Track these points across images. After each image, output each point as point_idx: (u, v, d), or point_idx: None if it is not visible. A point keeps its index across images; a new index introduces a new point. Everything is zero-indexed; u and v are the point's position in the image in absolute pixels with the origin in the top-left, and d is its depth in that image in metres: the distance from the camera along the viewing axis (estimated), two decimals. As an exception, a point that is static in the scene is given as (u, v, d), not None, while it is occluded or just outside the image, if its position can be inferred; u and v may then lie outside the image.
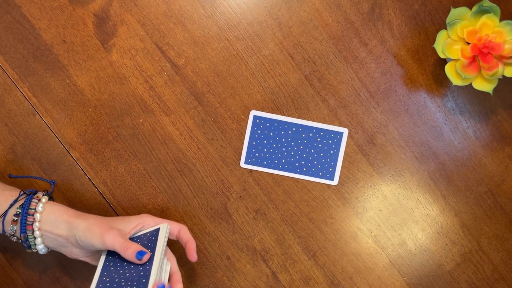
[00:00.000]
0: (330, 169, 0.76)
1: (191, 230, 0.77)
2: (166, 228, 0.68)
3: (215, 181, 0.76)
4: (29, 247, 0.67)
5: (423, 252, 0.78)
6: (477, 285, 0.79)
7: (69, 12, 0.74)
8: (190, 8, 0.75)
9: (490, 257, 0.78)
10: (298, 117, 0.76)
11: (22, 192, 0.67)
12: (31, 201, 0.66)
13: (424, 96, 0.76)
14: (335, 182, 0.77)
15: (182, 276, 0.77)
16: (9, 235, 0.66)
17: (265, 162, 0.76)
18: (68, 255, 0.68)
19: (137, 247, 0.64)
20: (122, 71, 0.75)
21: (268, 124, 0.76)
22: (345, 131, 0.76)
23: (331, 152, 0.76)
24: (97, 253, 0.68)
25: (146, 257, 0.64)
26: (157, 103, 0.75)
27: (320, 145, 0.76)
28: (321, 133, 0.76)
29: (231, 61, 0.75)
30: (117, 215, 0.76)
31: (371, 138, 0.77)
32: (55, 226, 0.66)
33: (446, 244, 0.78)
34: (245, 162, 0.76)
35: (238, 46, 0.75)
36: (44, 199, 0.67)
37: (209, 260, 0.77)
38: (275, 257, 0.78)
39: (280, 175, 0.76)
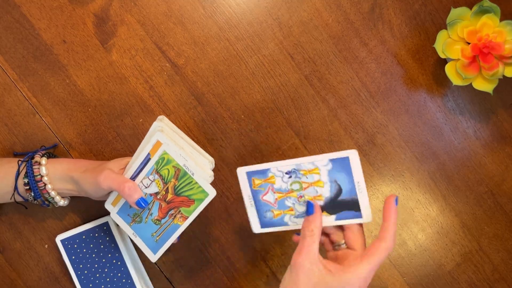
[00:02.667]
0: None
1: (191, 230, 0.77)
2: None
3: (215, 181, 0.76)
4: (48, 205, 0.69)
5: (423, 252, 0.78)
6: (477, 285, 0.79)
7: (69, 12, 0.74)
8: (190, 8, 0.75)
9: (490, 257, 0.78)
10: (298, 117, 0.76)
11: (20, 162, 0.67)
12: (33, 168, 0.66)
13: (424, 96, 0.76)
14: None
15: (182, 276, 0.77)
16: (31, 201, 0.68)
17: None
18: (93, 198, 0.68)
19: (139, 192, 0.64)
20: (122, 71, 0.75)
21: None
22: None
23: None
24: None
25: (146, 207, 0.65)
26: (157, 103, 0.75)
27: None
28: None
29: (231, 61, 0.75)
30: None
31: (371, 138, 0.77)
32: (64, 182, 0.67)
33: (446, 244, 0.78)
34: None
35: (238, 46, 0.75)
36: (44, 160, 0.67)
37: (209, 260, 0.77)
38: (275, 257, 0.77)
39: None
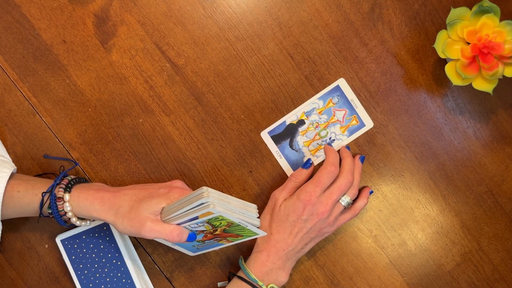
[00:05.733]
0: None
1: (191, 230, 0.77)
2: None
3: (215, 181, 0.76)
4: (73, 225, 0.70)
5: (423, 252, 0.78)
6: (477, 285, 0.79)
7: (69, 12, 0.74)
8: (190, 8, 0.75)
9: (490, 257, 0.78)
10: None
11: (43, 193, 0.67)
12: (56, 204, 0.66)
13: (424, 96, 0.76)
14: None
15: (182, 276, 0.77)
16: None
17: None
18: None
19: (186, 233, 0.65)
20: (122, 71, 0.75)
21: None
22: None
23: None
24: None
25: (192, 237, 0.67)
26: (157, 103, 0.75)
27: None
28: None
29: (231, 61, 0.75)
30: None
31: (371, 138, 0.77)
32: (89, 216, 0.67)
33: (446, 244, 0.78)
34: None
35: (238, 46, 0.75)
36: (67, 196, 0.67)
37: (209, 260, 0.77)
38: (275, 257, 0.77)
39: (279, 175, 0.76)
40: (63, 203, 0.66)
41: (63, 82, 0.75)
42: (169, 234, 0.64)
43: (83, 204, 0.67)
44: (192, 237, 0.66)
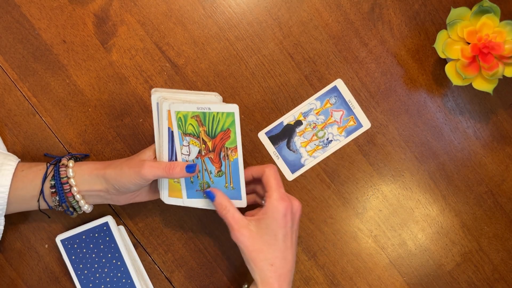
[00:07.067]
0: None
1: (191, 230, 0.77)
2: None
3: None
4: (72, 213, 0.69)
5: (423, 252, 0.78)
6: (477, 285, 0.79)
7: (69, 12, 0.74)
8: (190, 8, 0.75)
9: (490, 257, 0.78)
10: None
11: (48, 164, 0.68)
12: (59, 170, 0.67)
13: (424, 96, 0.76)
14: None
15: (182, 276, 0.77)
16: (55, 207, 0.68)
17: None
18: (118, 204, 0.71)
19: (181, 163, 0.66)
20: (122, 71, 0.75)
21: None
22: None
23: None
24: (143, 190, 0.71)
25: (197, 168, 0.66)
26: (157, 103, 0.75)
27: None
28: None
29: (231, 61, 0.75)
30: (117, 214, 0.76)
31: (371, 138, 0.77)
32: (92, 183, 0.67)
33: (446, 244, 0.78)
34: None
35: (238, 46, 0.75)
36: (71, 163, 0.68)
37: (209, 260, 0.77)
38: (275, 257, 0.77)
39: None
40: (66, 169, 0.67)
41: (63, 82, 0.75)
42: (169, 166, 0.65)
43: (86, 167, 0.68)
44: (191, 165, 0.66)
